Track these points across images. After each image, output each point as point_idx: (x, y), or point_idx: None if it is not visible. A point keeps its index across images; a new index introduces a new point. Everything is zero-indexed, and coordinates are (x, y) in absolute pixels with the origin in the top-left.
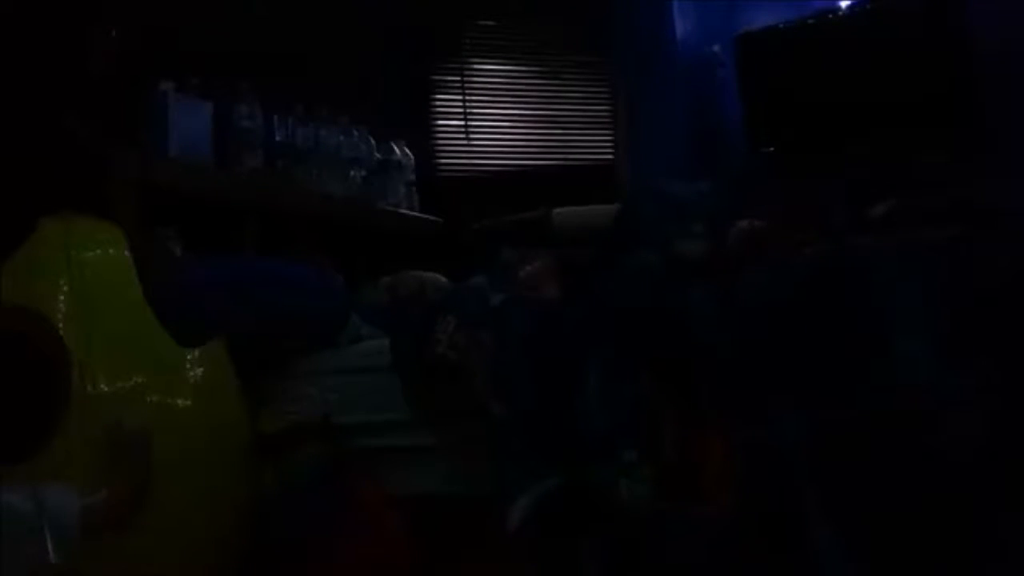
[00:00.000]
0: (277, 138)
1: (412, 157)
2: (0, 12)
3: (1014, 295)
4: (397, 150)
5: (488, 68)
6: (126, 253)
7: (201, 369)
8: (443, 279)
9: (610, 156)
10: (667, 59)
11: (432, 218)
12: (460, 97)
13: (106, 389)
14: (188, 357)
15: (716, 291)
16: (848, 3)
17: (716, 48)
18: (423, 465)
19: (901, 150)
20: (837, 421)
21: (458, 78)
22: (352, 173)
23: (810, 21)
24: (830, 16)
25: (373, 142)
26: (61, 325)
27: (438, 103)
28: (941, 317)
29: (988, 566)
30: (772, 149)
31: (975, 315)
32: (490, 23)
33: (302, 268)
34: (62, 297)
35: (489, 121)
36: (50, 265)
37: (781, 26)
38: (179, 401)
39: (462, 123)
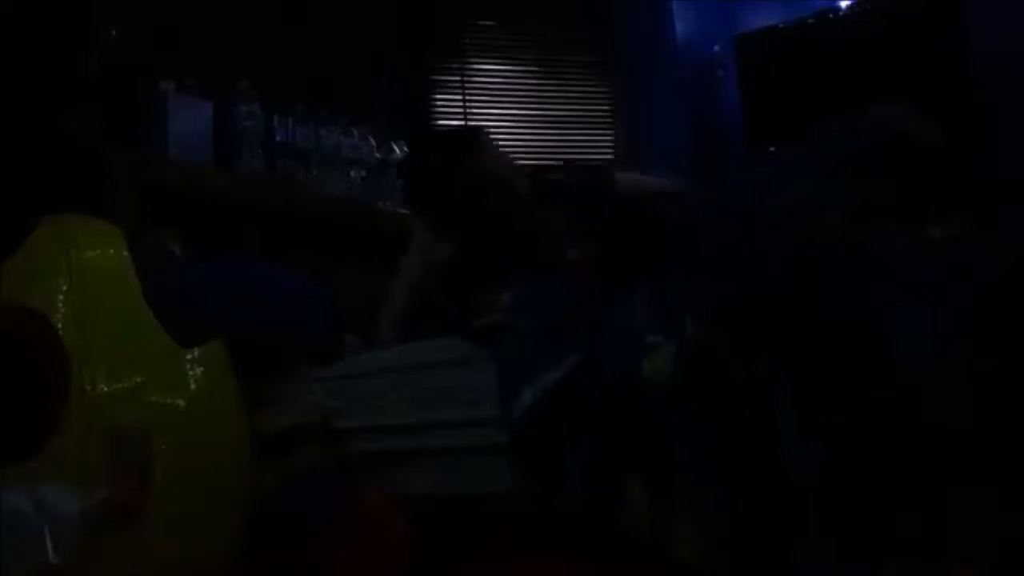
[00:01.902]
0: (277, 138)
1: None
2: (0, 12)
3: (1011, 295)
4: (397, 150)
5: (488, 68)
6: (126, 253)
7: (201, 369)
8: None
9: (610, 156)
10: (667, 59)
11: None
12: (460, 97)
13: (106, 389)
14: (188, 357)
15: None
16: (848, 3)
17: (716, 48)
18: (423, 465)
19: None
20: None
21: (458, 78)
22: (352, 173)
23: (810, 21)
24: (830, 16)
25: (373, 142)
26: (61, 325)
27: (438, 103)
28: (940, 316)
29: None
30: (772, 149)
31: (973, 314)
32: (490, 23)
33: (299, 278)
34: (62, 297)
35: (489, 121)
36: (50, 265)
37: (781, 26)
38: (179, 401)
39: (462, 123)
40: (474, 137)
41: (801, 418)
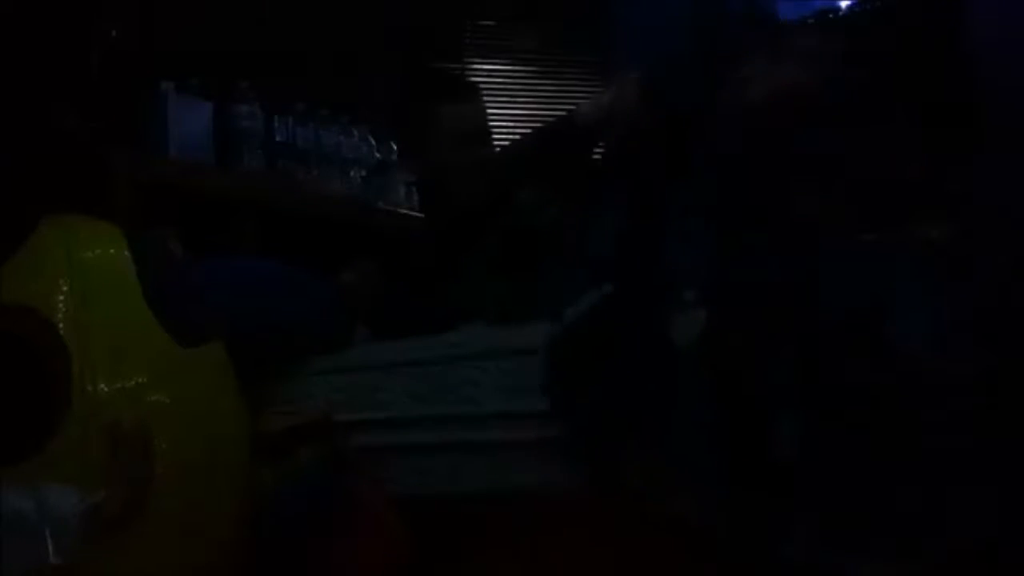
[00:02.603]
0: (277, 138)
1: None
2: (0, 11)
3: (1011, 295)
4: (397, 150)
5: (488, 68)
6: (126, 253)
7: (201, 369)
8: None
9: None
10: None
11: None
12: None
13: (106, 389)
14: (188, 357)
15: None
16: (848, 3)
17: None
18: (424, 465)
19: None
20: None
21: None
22: (352, 173)
23: (810, 21)
24: (830, 16)
25: (373, 142)
26: (61, 325)
27: None
28: (940, 315)
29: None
30: None
31: (973, 314)
32: (490, 23)
33: (303, 274)
34: (62, 297)
35: (489, 121)
36: (50, 265)
37: None
38: (179, 401)
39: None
40: None
41: (800, 417)
